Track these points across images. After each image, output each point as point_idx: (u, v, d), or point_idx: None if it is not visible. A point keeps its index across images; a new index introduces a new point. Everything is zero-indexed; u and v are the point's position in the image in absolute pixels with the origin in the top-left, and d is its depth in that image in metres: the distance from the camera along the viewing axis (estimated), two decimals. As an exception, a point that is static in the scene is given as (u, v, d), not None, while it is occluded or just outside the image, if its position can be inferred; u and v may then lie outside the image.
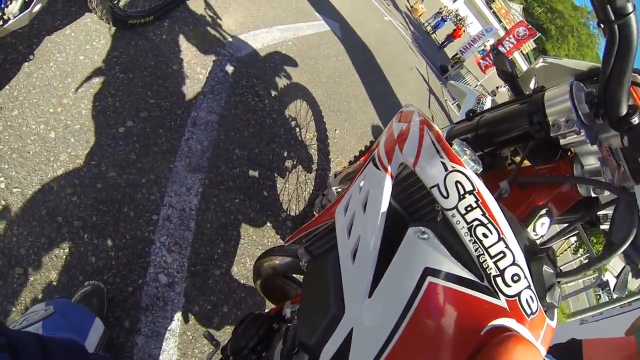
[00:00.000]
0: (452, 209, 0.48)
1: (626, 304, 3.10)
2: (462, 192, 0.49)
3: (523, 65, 40.62)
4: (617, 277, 0.59)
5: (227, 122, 1.99)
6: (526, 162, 0.73)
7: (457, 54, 15.11)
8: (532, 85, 0.93)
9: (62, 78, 1.60)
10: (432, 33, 21.57)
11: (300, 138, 2.41)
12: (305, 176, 2.26)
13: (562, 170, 0.65)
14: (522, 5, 50.33)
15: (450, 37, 19.64)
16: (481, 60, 12.25)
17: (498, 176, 0.69)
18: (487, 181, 0.55)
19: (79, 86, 1.61)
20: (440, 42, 20.31)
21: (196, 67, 2.11)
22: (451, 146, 0.53)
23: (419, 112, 0.64)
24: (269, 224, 1.85)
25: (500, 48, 11.96)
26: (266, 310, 0.93)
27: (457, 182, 0.49)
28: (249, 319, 0.81)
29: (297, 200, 2.11)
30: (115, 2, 1.83)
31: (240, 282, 1.63)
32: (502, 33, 13.14)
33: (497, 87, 14.77)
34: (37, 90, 1.50)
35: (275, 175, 2.05)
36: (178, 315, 1.39)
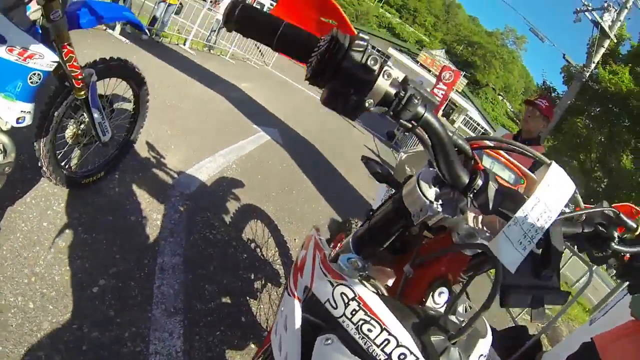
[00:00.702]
0: (342, 316, 0.69)
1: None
2: (346, 300, 0.70)
3: (464, 104, 47.32)
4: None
5: (191, 261, 2.46)
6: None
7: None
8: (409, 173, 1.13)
9: (31, 247, 2.01)
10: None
11: (262, 257, 2.90)
12: (276, 292, 2.71)
13: (448, 241, 0.79)
14: (444, 49, 59.18)
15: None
16: None
17: (408, 257, 0.85)
18: (398, 266, 0.84)
19: (47, 253, 2.03)
20: (381, 115, 22.63)
21: (152, 214, 2.63)
22: (337, 261, 0.80)
23: (315, 236, 0.94)
24: (252, 345, 2.23)
25: (435, 96, 13.82)
26: None
27: (341, 293, 0.71)
28: None
29: (274, 315, 2.52)
30: (66, 166, 2.36)
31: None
32: (434, 81, 15.28)
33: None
34: (8, 262, 1.88)
35: (248, 299, 2.48)
36: None
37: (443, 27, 77.73)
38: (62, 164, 2.34)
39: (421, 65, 44.93)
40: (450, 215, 0.73)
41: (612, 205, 0.84)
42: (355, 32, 0.69)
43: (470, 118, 49.33)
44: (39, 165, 2.17)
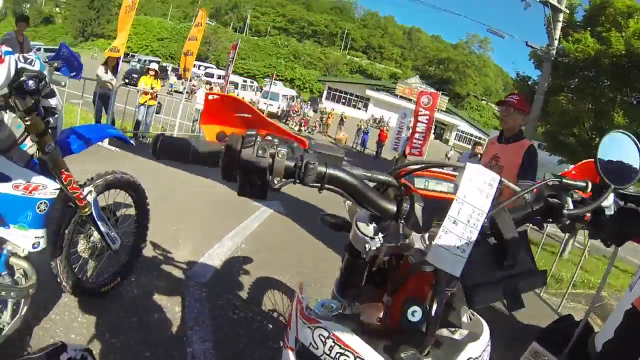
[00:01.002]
0: (322, 354, 0.77)
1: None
2: (323, 340, 0.78)
3: (452, 120, 48.90)
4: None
5: (221, 344, 2.51)
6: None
7: (395, 156, 17.46)
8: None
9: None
10: (364, 149, 24.77)
11: (287, 323, 2.94)
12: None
13: (409, 264, 0.82)
14: (417, 75, 61.67)
15: (380, 143, 22.81)
16: (411, 150, 14.24)
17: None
18: (381, 297, 0.88)
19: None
20: (375, 153, 23.25)
21: (174, 308, 2.72)
22: (314, 306, 0.90)
23: (297, 293, 1.01)
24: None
25: (419, 125, 14.15)
26: None
27: (319, 335, 0.79)
28: None
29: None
30: (83, 278, 2.48)
31: None
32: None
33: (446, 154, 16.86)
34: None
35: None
36: None
37: (411, 55, 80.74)
38: (80, 276, 2.45)
39: (401, 97, 46.25)
40: (395, 243, 0.77)
41: (574, 166, 0.90)
42: (266, 119, 0.83)
43: (462, 131, 50.12)
44: (58, 281, 2.29)
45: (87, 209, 2.17)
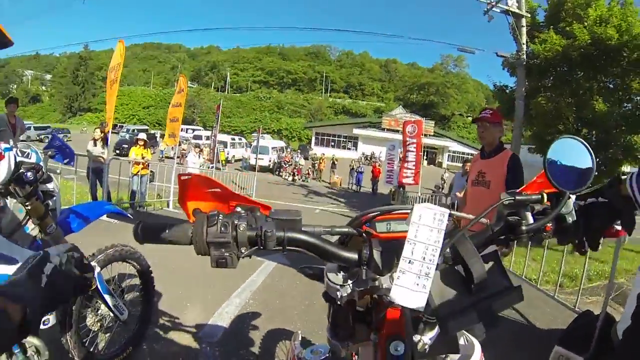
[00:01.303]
0: None
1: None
2: None
3: (441, 143, 49.82)
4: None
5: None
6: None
7: (390, 189, 17.57)
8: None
9: None
10: (360, 188, 24.93)
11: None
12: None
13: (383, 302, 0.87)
14: (400, 105, 63.25)
15: (375, 179, 23.00)
16: (405, 180, 14.40)
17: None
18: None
19: None
20: (372, 189, 23.35)
21: (190, 371, 2.71)
22: (304, 354, 1.05)
23: (292, 342, 1.15)
24: None
25: (409, 154, 14.45)
26: None
27: None
28: None
29: None
30: (95, 351, 2.50)
31: None
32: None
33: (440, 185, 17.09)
34: None
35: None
36: None
37: (391, 86, 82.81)
38: (91, 350, 2.47)
39: (388, 130, 47.01)
40: (364, 287, 0.83)
41: (539, 175, 0.94)
42: (234, 192, 0.92)
43: (454, 151, 50.64)
44: (70, 357, 2.31)
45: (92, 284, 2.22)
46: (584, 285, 4.90)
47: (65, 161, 2.51)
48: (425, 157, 44.58)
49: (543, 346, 3.06)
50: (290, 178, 25.20)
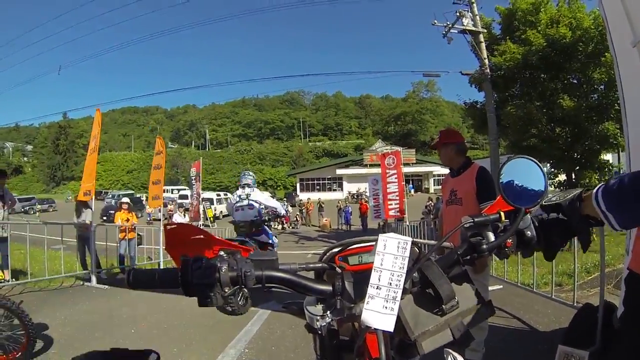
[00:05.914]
0: None
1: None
2: None
3: (425, 169, 50.07)
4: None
5: None
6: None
7: (379, 223, 17.64)
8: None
9: None
10: (349, 226, 24.94)
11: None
12: None
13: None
14: (380, 139, 64.30)
15: (363, 215, 23.04)
16: (391, 212, 14.50)
17: None
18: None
19: None
20: (361, 226, 23.37)
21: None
22: None
23: None
24: None
25: (390, 185, 14.59)
26: None
27: None
28: None
29: None
30: None
31: None
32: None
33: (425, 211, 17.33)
34: None
35: None
36: None
37: (368, 122, 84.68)
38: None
39: (370, 165, 47.40)
40: (341, 316, 0.89)
41: (489, 207, 1.03)
42: (216, 237, 1.05)
43: (439, 175, 50.87)
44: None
45: None
46: (583, 279, 4.81)
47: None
48: (412, 186, 45.28)
49: (548, 348, 3.07)
50: (280, 227, 25.10)
